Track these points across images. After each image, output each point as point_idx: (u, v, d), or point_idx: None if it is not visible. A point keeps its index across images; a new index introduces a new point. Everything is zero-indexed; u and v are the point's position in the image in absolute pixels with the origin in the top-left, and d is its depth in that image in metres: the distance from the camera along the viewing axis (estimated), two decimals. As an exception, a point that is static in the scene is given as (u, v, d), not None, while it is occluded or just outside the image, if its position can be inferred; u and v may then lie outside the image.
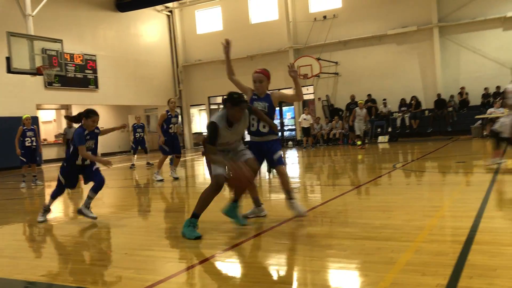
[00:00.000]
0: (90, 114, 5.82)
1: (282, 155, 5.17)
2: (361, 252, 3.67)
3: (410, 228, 4.47)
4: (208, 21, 26.59)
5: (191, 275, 3.50)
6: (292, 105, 24.57)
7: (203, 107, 27.71)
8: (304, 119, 19.44)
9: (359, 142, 16.65)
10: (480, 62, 20.35)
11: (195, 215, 4.60)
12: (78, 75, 21.34)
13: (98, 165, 6.07)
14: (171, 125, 9.87)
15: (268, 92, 5.25)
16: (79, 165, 5.91)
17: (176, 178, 10.21)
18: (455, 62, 20.94)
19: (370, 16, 22.05)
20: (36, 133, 11.18)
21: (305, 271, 3.44)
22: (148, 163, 15.29)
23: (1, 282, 3.64)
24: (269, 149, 5.06)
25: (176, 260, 4.01)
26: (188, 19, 27.15)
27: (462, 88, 20.21)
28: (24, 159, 10.99)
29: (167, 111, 10.01)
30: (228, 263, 3.83)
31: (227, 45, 5.31)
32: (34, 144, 11.04)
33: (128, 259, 4.01)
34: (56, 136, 22.52)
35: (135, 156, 15.62)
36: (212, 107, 27.34)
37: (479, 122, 18.07)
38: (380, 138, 19.82)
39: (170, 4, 26.24)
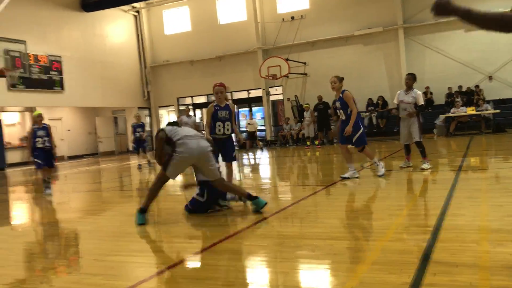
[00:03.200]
0: None
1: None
2: (330, 252, 3.74)
3: (376, 227, 4.58)
4: (176, 22, 26.42)
5: (161, 280, 3.49)
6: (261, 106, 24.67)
7: (172, 108, 27.51)
8: (249, 124, 21.71)
9: (316, 142, 18.45)
10: (444, 62, 20.92)
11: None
12: (43, 76, 20.83)
13: None
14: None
15: (227, 102, 6.85)
16: None
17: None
18: (420, 62, 21.44)
19: (337, 17, 22.36)
20: (49, 131, 9.65)
21: (276, 273, 3.48)
22: (149, 162, 14.77)
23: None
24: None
25: (146, 265, 3.99)
26: (156, 20, 26.90)
27: (427, 87, 20.70)
28: (40, 161, 9.42)
29: (33, 125, 9.80)
30: (199, 267, 3.84)
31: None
32: (48, 144, 9.49)
33: (97, 265, 3.97)
34: (20, 139, 21.97)
35: (139, 155, 14.70)
36: (181, 107, 27.15)
37: (440, 120, 18.60)
38: (349, 138, 20.13)
39: (137, 4, 25.94)
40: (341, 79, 7.95)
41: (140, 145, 14.67)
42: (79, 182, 12.77)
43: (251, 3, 23.87)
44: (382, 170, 7.94)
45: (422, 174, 8.09)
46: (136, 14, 26.79)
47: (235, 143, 7.32)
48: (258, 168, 13.13)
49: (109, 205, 8.08)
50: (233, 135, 7.04)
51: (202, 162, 5.34)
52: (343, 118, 8.00)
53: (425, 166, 8.42)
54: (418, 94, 8.52)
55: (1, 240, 5.65)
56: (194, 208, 5.68)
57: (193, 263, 3.90)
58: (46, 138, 9.48)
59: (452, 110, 18.32)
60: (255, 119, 23.18)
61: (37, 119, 9.69)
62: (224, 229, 4.94)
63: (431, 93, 20.74)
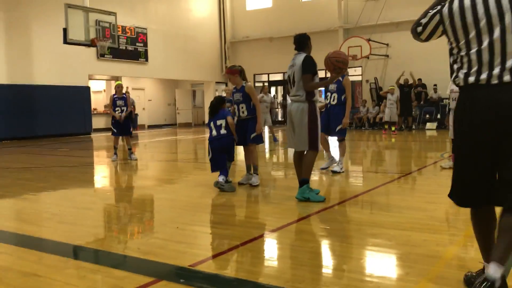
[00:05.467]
0: None
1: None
2: (407, 244, 3.72)
3: (457, 221, 4.47)
4: (258, -2, 26.45)
5: (240, 253, 3.66)
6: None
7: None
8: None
9: (393, 128, 17.17)
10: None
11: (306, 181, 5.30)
12: (129, 47, 21.82)
13: None
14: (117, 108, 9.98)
15: (243, 84, 6.49)
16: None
17: None
18: None
19: (425, -3, 21.34)
20: (128, 101, 10.09)
21: (350, 258, 3.53)
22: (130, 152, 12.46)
23: (63, 246, 3.92)
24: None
25: (225, 237, 4.18)
26: (238, -5, 27.09)
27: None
28: (115, 130, 9.99)
29: (114, 94, 10.16)
30: (274, 244, 3.97)
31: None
32: (124, 114, 9.92)
33: (180, 233, 4.21)
34: (105, 106, 23.25)
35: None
36: (257, 84, 27.39)
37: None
38: (428, 125, 19.42)
39: (221, -20, 26.25)
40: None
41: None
42: (159, 152, 13.39)
43: (335, -18, 23.36)
44: (337, 167, 7.53)
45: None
46: (219, -11, 27.11)
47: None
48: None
49: (188, 175, 8.43)
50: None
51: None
52: (334, 103, 7.52)
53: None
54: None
55: (92, 201, 6.12)
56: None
57: (269, 240, 4.03)
58: (124, 108, 9.95)
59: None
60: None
61: (117, 89, 10.14)
62: (300, 210, 5.03)
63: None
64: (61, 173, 8.67)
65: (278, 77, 26.32)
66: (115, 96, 10.04)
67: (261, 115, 6.64)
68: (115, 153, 10.10)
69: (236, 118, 6.59)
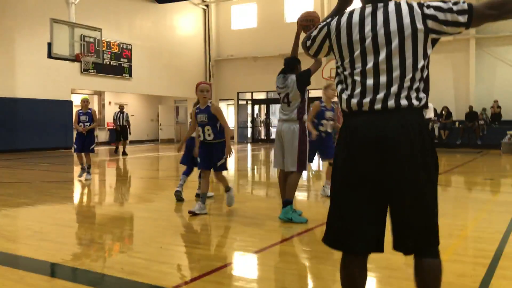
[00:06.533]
0: None
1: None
2: (387, 267, 3.80)
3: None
4: (243, 17, 26.80)
5: (223, 275, 3.70)
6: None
7: (231, 101, 27.98)
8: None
9: None
10: (516, 77, 20.03)
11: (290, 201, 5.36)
12: (113, 63, 21.83)
13: None
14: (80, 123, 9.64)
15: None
16: None
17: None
18: (490, 75, 20.65)
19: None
20: (93, 117, 9.70)
21: (334, 281, 3.58)
22: (87, 168, 11.50)
23: (45, 265, 3.91)
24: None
25: (209, 258, 4.21)
26: (224, 14, 27.39)
27: (495, 101, 19.93)
28: (75, 146, 9.71)
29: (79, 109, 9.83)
30: (258, 266, 4.02)
31: None
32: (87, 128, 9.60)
33: (164, 254, 4.23)
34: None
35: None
36: (241, 102, 27.56)
37: (508, 136, 17.84)
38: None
39: (207, -2, 26.56)
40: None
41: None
42: (141, 168, 13.34)
43: (319, 4, 23.81)
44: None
45: (484, 194, 7.89)
46: (205, 7, 27.39)
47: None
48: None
49: (171, 193, 8.41)
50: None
51: None
52: (329, 131, 7.20)
53: None
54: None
55: (76, 219, 6.09)
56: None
57: (252, 261, 4.08)
58: (87, 124, 9.57)
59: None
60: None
61: (82, 104, 9.76)
62: (284, 231, 5.09)
63: (499, 107, 19.95)
64: (42, 189, 8.59)
65: (262, 95, 26.58)
66: (80, 111, 9.70)
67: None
68: (88, 172, 9.56)
69: (199, 140, 6.09)
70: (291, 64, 5.56)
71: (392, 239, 2.18)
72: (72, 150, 9.72)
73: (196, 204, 5.94)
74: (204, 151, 5.95)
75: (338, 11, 2.42)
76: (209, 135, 5.86)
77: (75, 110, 21.16)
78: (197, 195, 6.58)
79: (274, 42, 25.00)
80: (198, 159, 6.11)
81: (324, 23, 2.35)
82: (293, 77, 5.44)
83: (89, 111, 9.72)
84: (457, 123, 20.54)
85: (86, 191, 8.89)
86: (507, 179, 10.56)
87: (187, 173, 7.00)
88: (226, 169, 6.14)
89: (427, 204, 2.12)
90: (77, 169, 12.86)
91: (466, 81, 20.95)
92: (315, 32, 2.39)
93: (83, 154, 9.65)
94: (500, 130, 18.74)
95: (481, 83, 20.71)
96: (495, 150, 18.14)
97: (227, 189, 6.22)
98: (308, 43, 2.44)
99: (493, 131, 19.45)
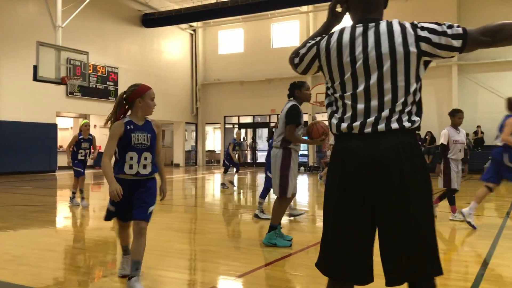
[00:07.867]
0: None
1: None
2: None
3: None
4: (230, 42, 27.11)
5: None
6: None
7: (218, 125, 28.05)
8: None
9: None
10: (497, 103, 20.39)
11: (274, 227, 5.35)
12: (99, 86, 21.83)
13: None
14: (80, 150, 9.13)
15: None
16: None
17: None
18: (472, 101, 21.06)
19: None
20: (94, 143, 9.18)
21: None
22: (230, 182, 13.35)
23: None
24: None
25: (191, 283, 4.16)
26: (211, 39, 27.68)
27: (478, 126, 20.27)
28: (81, 170, 9.06)
29: (79, 134, 9.19)
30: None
31: None
32: (87, 158, 9.20)
33: (145, 277, 4.18)
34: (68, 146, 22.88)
35: (226, 173, 13.61)
36: (227, 126, 27.64)
37: (489, 162, 18.05)
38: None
39: (194, 23, 26.86)
40: None
41: (233, 164, 13.01)
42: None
43: (304, 29, 24.23)
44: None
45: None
46: (192, 32, 27.67)
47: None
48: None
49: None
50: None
51: None
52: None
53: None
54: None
55: (53, 243, 5.99)
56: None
57: (235, 286, 4.05)
58: (87, 151, 9.11)
59: (503, 152, 17.80)
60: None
61: (83, 128, 9.12)
62: (267, 255, 5.07)
63: (482, 132, 20.29)
64: (23, 213, 8.45)
65: (249, 119, 26.73)
66: (81, 137, 9.04)
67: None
68: (82, 197, 9.13)
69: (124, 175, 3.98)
70: (290, 89, 5.65)
71: (385, 275, 2.04)
72: (73, 174, 9.13)
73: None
74: (128, 192, 3.87)
75: (326, 29, 2.34)
76: (144, 166, 3.98)
77: (60, 133, 21.20)
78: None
79: (260, 67, 25.31)
80: (112, 207, 4.21)
81: (313, 41, 2.26)
82: (287, 106, 5.48)
83: (90, 137, 9.15)
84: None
85: (68, 215, 8.76)
86: (489, 203, 10.67)
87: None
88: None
89: (419, 229, 1.99)
90: (61, 193, 12.75)
91: (449, 107, 21.20)
92: (303, 50, 2.30)
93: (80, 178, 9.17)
94: (483, 155, 19.01)
95: (463, 108, 20.84)
96: (478, 174, 18.32)
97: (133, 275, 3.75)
98: (296, 60, 2.36)
99: (476, 156, 19.72)
